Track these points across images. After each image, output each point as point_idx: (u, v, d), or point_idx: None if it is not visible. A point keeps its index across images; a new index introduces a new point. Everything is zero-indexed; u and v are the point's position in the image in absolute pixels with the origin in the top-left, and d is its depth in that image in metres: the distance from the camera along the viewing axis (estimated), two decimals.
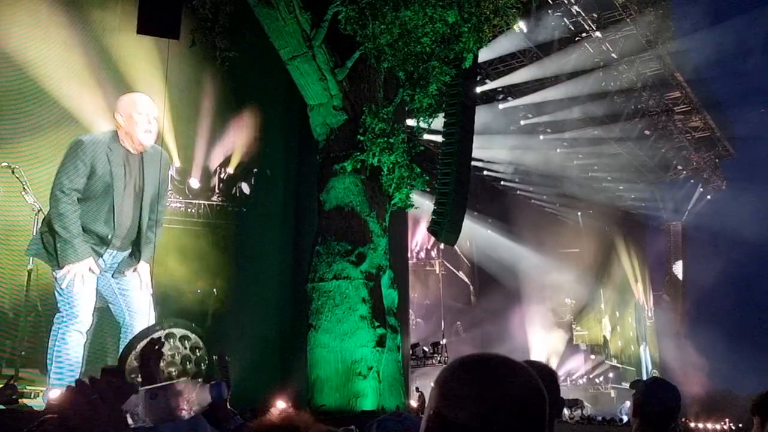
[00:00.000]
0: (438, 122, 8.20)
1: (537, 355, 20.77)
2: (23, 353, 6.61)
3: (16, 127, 7.77)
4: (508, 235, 20.61)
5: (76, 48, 8.11)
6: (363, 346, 6.75)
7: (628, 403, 13.67)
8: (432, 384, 1.26)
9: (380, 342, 6.85)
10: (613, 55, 16.44)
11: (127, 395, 1.54)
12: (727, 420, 18.23)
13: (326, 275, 6.98)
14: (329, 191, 7.29)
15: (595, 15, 15.18)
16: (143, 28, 6.27)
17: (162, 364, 2.63)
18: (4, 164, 6.10)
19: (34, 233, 4.95)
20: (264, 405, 5.63)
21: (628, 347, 27.24)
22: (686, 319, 27.82)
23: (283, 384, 7.64)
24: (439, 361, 14.70)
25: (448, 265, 19.86)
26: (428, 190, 9.38)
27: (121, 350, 2.84)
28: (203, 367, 2.79)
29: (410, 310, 14.66)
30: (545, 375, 1.86)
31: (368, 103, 7.29)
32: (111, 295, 4.50)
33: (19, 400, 4.45)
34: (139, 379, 2.52)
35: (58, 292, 4.19)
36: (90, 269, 4.18)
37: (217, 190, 9.94)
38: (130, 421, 1.53)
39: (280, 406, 5.57)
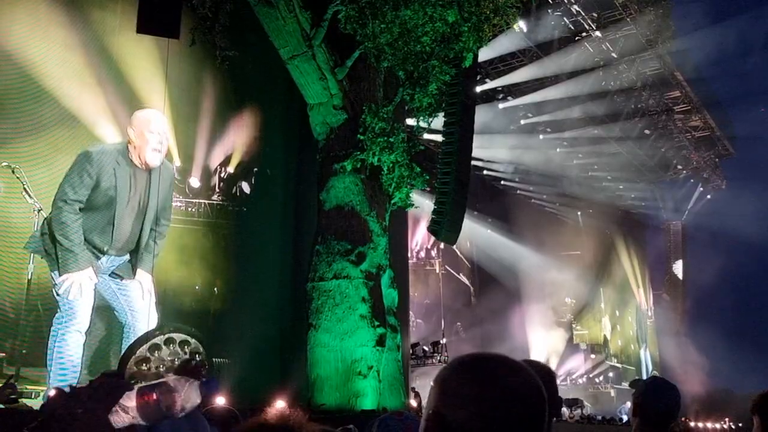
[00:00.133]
0: (438, 121, 8.19)
1: (537, 354, 20.78)
2: (24, 352, 6.63)
3: (17, 126, 7.79)
4: (507, 234, 20.61)
5: (77, 47, 8.12)
6: (363, 346, 6.75)
7: (628, 404, 13.67)
8: (431, 383, 1.26)
9: (380, 341, 6.85)
10: (613, 54, 16.43)
11: (118, 395, 1.54)
12: (727, 419, 18.21)
13: (326, 274, 6.98)
14: (329, 190, 7.29)
15: (595, 14, 15.17)
16: (143, 28, 6.26)
17: (161, 369, 2.63)
18: (4, 164, 6.11)
19: (35, 230, 4.96)
20: (264, 404, 5.63)
21: (628, 347, 27.25)
22: (686, 319, 27.81)
23: (283, 383, 7.64)
24: (439, 361, 14.70)
25: (448, 268, 19.86)
26: (428, 189, 9.39)
27: (123, 351, 2.85)
28: (203, 372, 2.80)
29: (410, 310, 14.66)
30: (543, 374, 1.85)
31: (368, 103, 7.29)
32: (111, 296, 4.52)
33: (20, 400, 4.46)
34: (139, 385, 2.52)
35: (57, 294, 4.20)
36: (89, 278, 4.19)
37: (217, 190, 9.95)
38: (124, 420, 1.53)
39: (280, 405, 5.57)
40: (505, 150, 18.46)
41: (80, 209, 4.20)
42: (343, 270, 6.95)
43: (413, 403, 9.66)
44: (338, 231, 7.13)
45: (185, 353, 2.76)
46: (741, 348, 24.77)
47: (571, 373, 23.31)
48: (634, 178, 23.10)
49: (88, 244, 4.27)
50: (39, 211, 5.57)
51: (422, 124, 7.97)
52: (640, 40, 15.94)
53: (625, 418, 16.06)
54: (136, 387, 1.63)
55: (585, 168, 21.54)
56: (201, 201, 9.73)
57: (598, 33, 15.49)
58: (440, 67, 7.38)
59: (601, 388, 23.72)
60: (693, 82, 18.89)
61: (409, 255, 16.71)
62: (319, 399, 6.68)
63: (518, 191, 21.72)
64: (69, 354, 4.12)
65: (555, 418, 2.44)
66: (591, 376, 23.93)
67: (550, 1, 14.31)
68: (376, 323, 6.87)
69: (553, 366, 21.51)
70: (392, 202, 7.51)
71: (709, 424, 17.24)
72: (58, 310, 4.24)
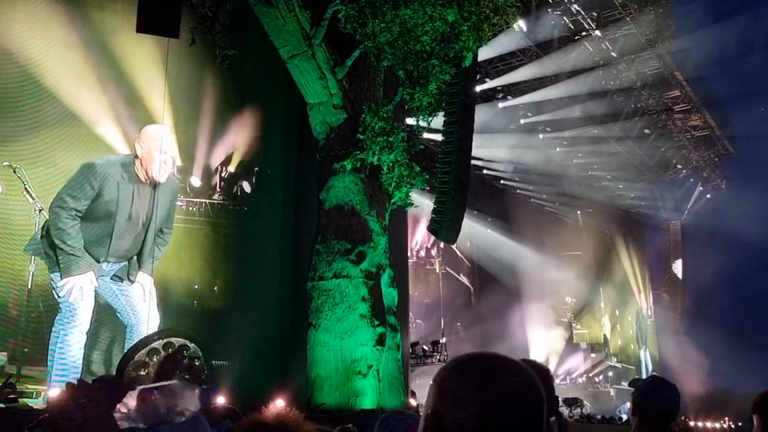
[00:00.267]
0: (438, 121, 8.19)
1: (536, 353, 20.79)
2: (26, 350, 6.64)
3: (17, 125, 7.78)
4: (507, 233, 20.62)
5: (77, 46, 8.11)
6: (363, 345, 6.75)
7: (628, 403, 13.68)
8: (430, 383, 1.26)
9: (380, 341, 6.85)
10: (613, 53, 16.43)
11: (121, 395, 1.54)
12: (726, 419, 18.22)
13: (326, 274, 6.98)
14: (329, 190, 7.29)
15: (595, 14, 15.17)
16: (142, 27, 6.25)
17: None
18: (5, 163, 6.11)
19: (36, 231, 4.97)
20: (264, 403, 5.64)
21: (628, 346, 27.27)
22: (686, 318, 27.82)
23: (283, 382, 7.64)
24: (439, 360, 14.70)
25: (448, 267, 19.86)
26: (428, 188, 9.39)
27: (124, 352, 2.85)
28: (202, 377, 2.80)
29: (410, 309, 14.66)
30: (539, 374, 1.86)
31: (368, 102, 7.29)
32: (113, 298, 4.53)
33: (20, 399, 4.46)
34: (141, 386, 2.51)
35: (57, 296, 4.21)
36: (90, 281, 4.20)
37: (218, 189, 9.94)
38: (122, 423, 1.53)
39: (279, 404, 5.57)
40: (504, 149, 18.46)
41: (78, 216, 4.19)
42: (343, 269, 6.95)
43: (413, 402, 9.67)
44: (338, 230, 7.13)
45: (184, 357, 2.76)
46: (740, 347, 24.80)
47: (571, 372, 23.33)
48: (633, 177, 23.10)
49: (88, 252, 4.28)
50: (40, 211, 5.58)
51: (422, 124, 7.96)
52: (639, 39, 15.94)
53: (624, 417, 16.08)
54: (137, 388, 1.63)
55: (585, 167, 21.54)
56: (202, 200, 9.72)
57: (597, 32, 15.49)
58: (440, 66, 7.38)
59: (601, 387, 23.74)
60: (693, 81, 18.89)
61: (409, 254, 16.70)
62: (319, 398, 6.68)
63: (518, 191, 21.73)
64: (70, 354, 4.13)
65: (552, 417, 2.43)
66: (591, 375, 23.95)
67: (550, 1, 14.31)
68: (376, 322, 6.87)
69: (552, 365, 21.55)
70: (392, 201, 7.51)
71: (708, 424, 17.27)
72: (60, 312, 4.25)
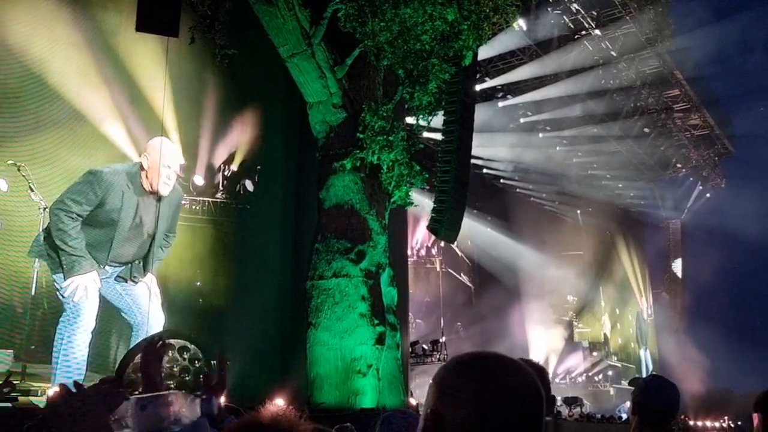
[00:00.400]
0: (437, 120, 8.19)
1: (536, 352, 20.81)
2: (33, 347, 6.65)
3: (20, 124, 7.78)
4: (507, 233, 20.62)
5: (80, 45, 8.11)
6: (362, 344, 6.76)
7: (627, 403, 13.68)
8: (430, 382, 1.27)
9: (380, 340, 6.85)
10: (613, 53, 16.42)
11: (117, 401, 1.52)
12: (726, 418, 18.24)
13: (326, 273, 6.99)
14: (329, 189, 7.29)
15: (595, 13, 15.16)
16: (142, 26, 6.24)
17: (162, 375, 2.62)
18: (9, 162, 6.12)
19: (40, 230, 4.98)
20: (264, 403, 5.64)
21: (628, 345, 27.27)
22: (685, 317, 27.82)
23: (283, 381, 7.65)
24: (439, 359, 14.70)
25: (448, 267, 19.85)
26: (428, 187, 9.39)
27: (124, 354, 2.85)
28: (212, 383, 2.78)
29: (410, 308, 14.66)
30: (536, 373, 1.86)
31: (368, 101, 7.29)
32: (117, 298, 4.55)
33: (20, 398, 4.47)
34: (137, 392, 2.51)
35: (62, 296, 4.23)
36: (93, 280, 4.22)
37: (221, 187, 9.94)
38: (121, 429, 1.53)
39: (278, 403, 5.57)
40: (504, 148, 18.46)
41: (78, 218, 4.21)
42: (342, 268, 6.95)
43: (412, 401, 9.67)
44: (338, 229, 7.13)
45: (184, 359, 2.75)
46: (740, 347, 24.79)
47: (571, 371, 23.33)
48: (633, 176, 23.09)
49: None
50: (44, 209, 5.58)
51: (422, 123, 7.97)
52: (639, 38, 15.93)
53: (624, 416, 16.07)
54: (133, 397, 1.63)
55: (584, 166, 21.54)
56: (205, 199, 9.73)
57: (597, 31, 15.48)
58: (440, 65, 7.38)
59: (601, 386, 23.73)
60: (692, 80, 18.87)
61: (409, 253, 16.69)
62: (319, 397, 6.69)
63: (518, 190, 21.72)
64: (74, 353, 4.15)
65: (548, 417, 2.44)
66: (590, 374, 23.95)
67: (550, 0, 14.31)
68: (376, 321, 6.88)
69: (552, 364, 21.57)
70: (392, 200, 7.51)
71: (708, 423, 17.28)
72: (64, 311, 4.26)
